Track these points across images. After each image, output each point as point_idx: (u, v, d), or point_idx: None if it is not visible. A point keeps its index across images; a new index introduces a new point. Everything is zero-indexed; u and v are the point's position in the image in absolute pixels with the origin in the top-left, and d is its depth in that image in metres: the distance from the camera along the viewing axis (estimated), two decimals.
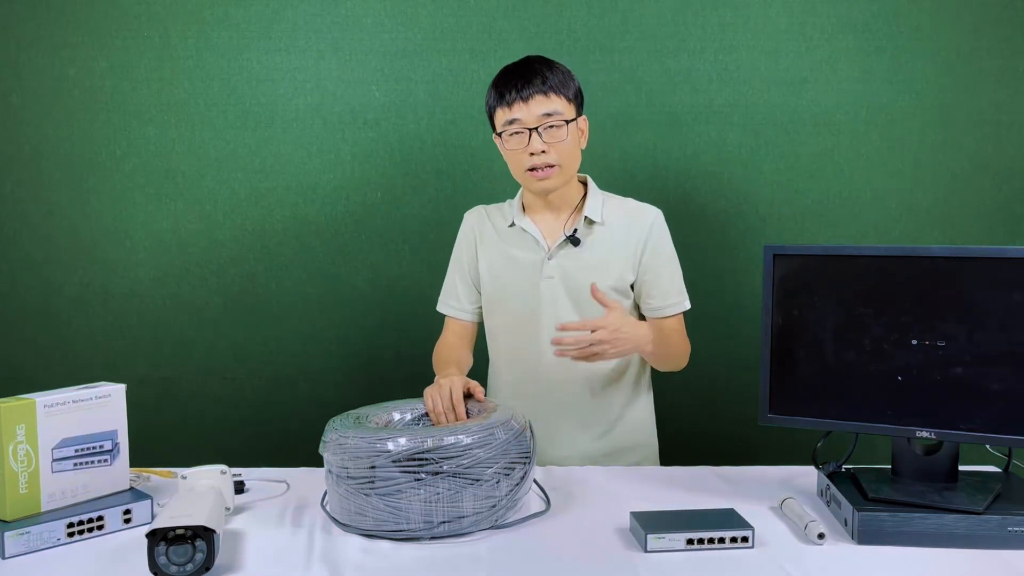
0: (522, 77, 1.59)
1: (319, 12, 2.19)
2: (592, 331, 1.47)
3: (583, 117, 1.67)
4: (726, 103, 2.21)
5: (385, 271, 2.26)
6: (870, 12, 2.18)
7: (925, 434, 1.33)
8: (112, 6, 2.18)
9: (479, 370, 1.83)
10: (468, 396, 1.51)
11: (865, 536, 1.25)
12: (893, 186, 2.23)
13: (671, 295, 1.71)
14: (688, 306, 1.73)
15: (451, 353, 1.73)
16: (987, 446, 1.38)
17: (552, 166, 1.61)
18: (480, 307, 1.79)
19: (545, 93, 1.58)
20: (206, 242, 2.24)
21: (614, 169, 2.21)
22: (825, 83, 2.20)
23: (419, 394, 1.57)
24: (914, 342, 1.33)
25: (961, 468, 1.38)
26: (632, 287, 1.70)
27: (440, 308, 1.82)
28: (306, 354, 2.28)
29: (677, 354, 1.72)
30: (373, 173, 2.24)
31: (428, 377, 1.66)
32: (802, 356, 1.41)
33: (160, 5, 2.18)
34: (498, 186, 2.22)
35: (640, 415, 1.77)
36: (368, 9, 2.19)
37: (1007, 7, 2.18)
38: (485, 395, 1.58)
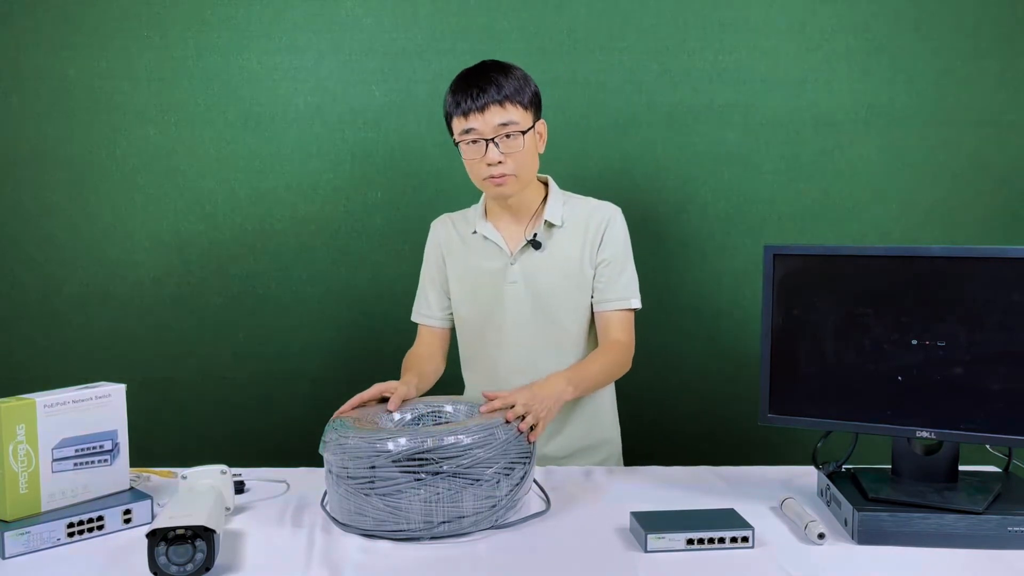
0: (477, 86, 1.57)
1: (319, 12, 2.19)
2: (512, 405, 1.41)
3: (541, 121, 1.66)
4: (726, 103, 2.21)
5: (385, 271, 2.26)
6: (870, 12, 2.18)
7: (925, 434, 1.33)
8: (112, 6, 2.18)
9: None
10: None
11: (865, 536, 1.25)
12: (893, 186, 2.22)
13: (615, 289, 1.68)
14: (637, 306, 1.69)
15: (412, 363, 1.72)
16: (987, 446, 1.38)
17: (508, 175, 1.61)
18: (451, 313, 1.80)
19: (500, 103, 1.57)
20: (206, 242, 2.24)
21: (615, 169, 2.21)
22: (825, 83, 2.20)
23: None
24: (914, 342, 1.33)
25: (961, 468, 1.38)
26: None
27: (413, 318, 1.83)
28: (306, 354, 2.28)
29: (601, 376, 1.65)
30: (373, 173, 2.24)
31: None
32: (802, 356, 1.41)
33: (160, 5, 2.18)
34: None
35: (602, 415, 1.77)
36: (368, 9, 2.19)
37: (1007, 7, 2.18)
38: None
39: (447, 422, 1.48)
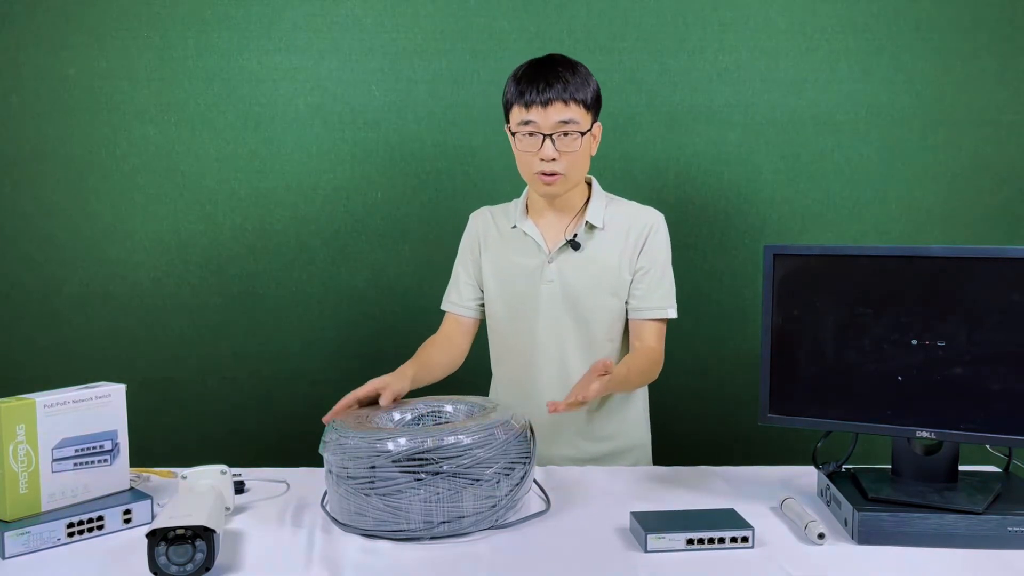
0: (544, 79, 1.56)
1: (319, 12, 2.19)
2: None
3: (598, 124, 1.65)
4: (726, 103, 2.21)
5: (385, 271, 2.26)
6: (870, 12, 2.18)
7: (925, 434, 1.33)
8: (112, 6, 2.18)
9: (482, 370, 1.84)
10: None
11: (865, 536, 1.25)
12: (893, 186, 2.23)
13: (652, 298, 1.67)
14: (672, 315, 1.68)
15: (426, 351, 1.72)
16: (987, 446, 1.38)
17: (559, 174, 1.60)
18: (480, 304, 1.79)
19: (565, 101, 1.56)
20: (206, 242, 2.24)
21: (614, 169, 2.21)
22: (825, 83, 2.20)
23: (420, 394, 1.57)
24: (914, 342, 1.33)
25: (961, 468, 1.38)
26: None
27: (442, 306, 1.82)
28: (306, 354, 2.28)
29: (635, 383, 1.68)
30: (373, 173, 2.24)
31: None
32: (802, 356, 1.41)
33: (160, 5, 2.18)
34: (498, 186, 2.22)
35: (635, 419, 1.77)
36: (368, 9, 2.19)
37: (1007, 7, 2.18)
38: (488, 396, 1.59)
39: (447, 422, 1.48)
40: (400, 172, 2.24)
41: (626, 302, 1.69)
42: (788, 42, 2.19)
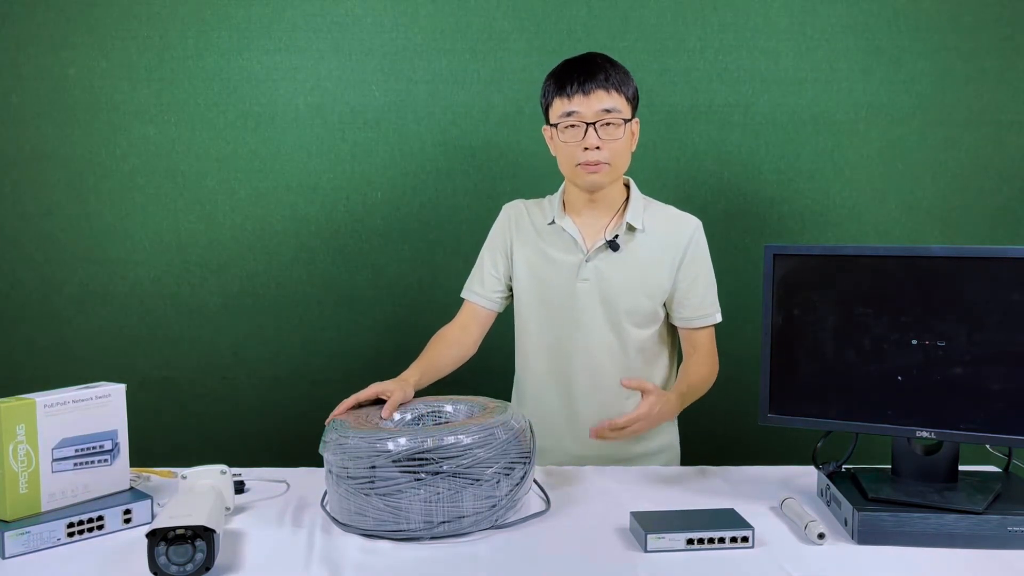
0: (584, 71, 1.59)
1: (319, 12, 2.19)
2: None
3: (636, 120, 1.66)
4: (726, 103, 2.21)
5: (385, 271, 2.26)
6: (870, 12, 2.18)
7: (925, 434, 1.33)
8: (112, 6, 2.18)
9: (503, 366, 1.84)
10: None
11: (865, 536, 1.25)
12: (893, 186, 2.23)
13: (703, 307, 1.69)
14: (719, 319, 1.71)
15: (435, 348, 1.71)
16: (987, 446, 1.38)
17: (603, 163, 1.60)
18: (503, 297, 1.78)
19: (607, 89, 1.58)
20: (206, 242, 2.24)
21: None
22: (825, 83, 2.20)
23: (420, 394, 1.57)
24: (914, 342, 1.33)
25: (961, 468, 1.38)
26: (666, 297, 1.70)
27: (462, 294, 1.80)
28: (306, 354, 2.28)
29: (703, 389, 1.71)
30: (373, 173, 2.24)
31: None
32: (802, 356, 1.41)
33: (160, 5, 2.18)
34: (498, 186, 2.22)
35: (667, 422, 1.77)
36: (368, 9, 2.19)
37: (1007, 7, 2.18)
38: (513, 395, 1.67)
39: (447, 422, 1.48)
40: (400, 172, 2.24)
41: (663, 304, 1.70)
42: (788, 42, 2.19)
